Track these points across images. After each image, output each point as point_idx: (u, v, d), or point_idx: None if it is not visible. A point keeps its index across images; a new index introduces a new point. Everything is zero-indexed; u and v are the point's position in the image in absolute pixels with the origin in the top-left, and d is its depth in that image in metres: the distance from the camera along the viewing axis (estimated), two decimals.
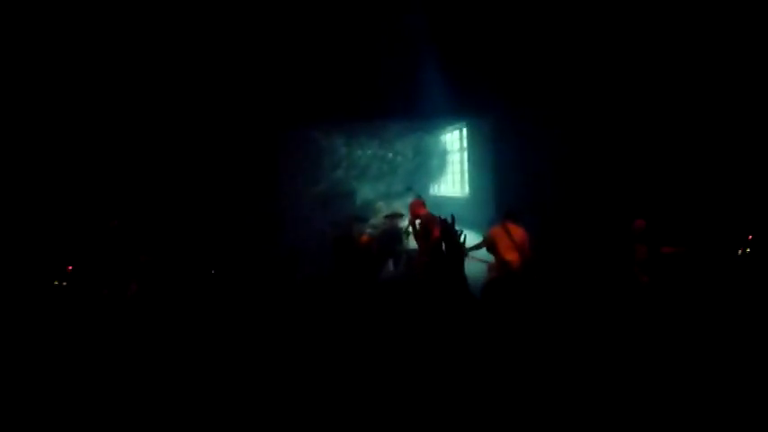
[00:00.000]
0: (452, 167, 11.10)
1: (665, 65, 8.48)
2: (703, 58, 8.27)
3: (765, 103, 7.97)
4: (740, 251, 7.00)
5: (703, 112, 8.29)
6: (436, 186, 11.08)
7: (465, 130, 10.81)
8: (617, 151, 8.74)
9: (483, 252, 7.28)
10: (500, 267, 6.80)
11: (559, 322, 4.40)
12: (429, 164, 11.16)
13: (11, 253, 8.10)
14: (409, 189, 9.94)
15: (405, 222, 9.23)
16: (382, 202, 10.66)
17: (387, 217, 9.26)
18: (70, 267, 7.55)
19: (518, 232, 6.93)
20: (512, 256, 6.81)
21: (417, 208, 8.15)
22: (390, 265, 8.93)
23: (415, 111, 9.96)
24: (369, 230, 9.31)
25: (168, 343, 4.48)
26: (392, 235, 9.01)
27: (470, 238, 9.39)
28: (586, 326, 4.37)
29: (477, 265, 7.11)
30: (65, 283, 7.37)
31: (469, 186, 10.76)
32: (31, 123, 8.92)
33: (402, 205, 10.17)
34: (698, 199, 8.00)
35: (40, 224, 8.59)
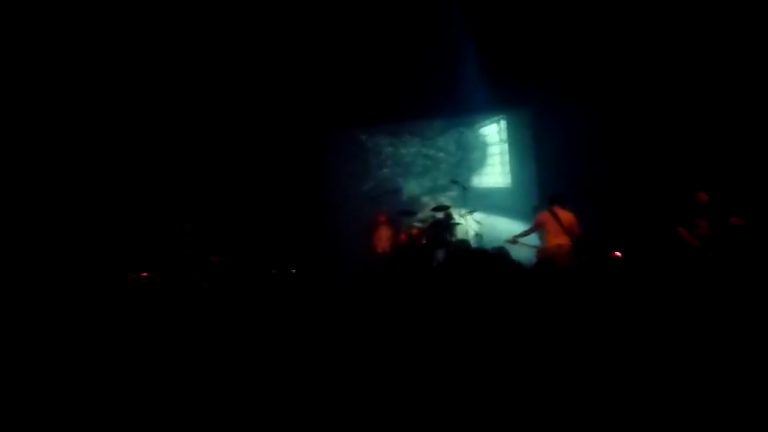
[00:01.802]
0: (494, 159, 11.37)
1: (710, 43, 8.45)
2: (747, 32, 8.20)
3: None
4: None
5: (752, 87, 8.21)
6: (479, 178, 11.36)
7: (504, 122, 11.09)
8: (662, 129, 8.77)
9: (532, 238, 7.56)
10: (550, 251, 7.07)
11: (620, 305, 4.52)
12: (471, 157, 11.44)
13: (86, 259, 8.75)
14: (455, 182, 10.25)
15: (452, 214, 9.57)
16: (428, 196, 11.00)
17: (434, 210, 9.61)
18: (145, 273, 8.15)
19: (566, 215, 7.20)
20: (562, 240, 7.08)
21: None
22: (440, 254, 9.28)
23: (454, 106, 10.27)
24: (417, 224, 9.66)
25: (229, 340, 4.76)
26: (440, 226, 9.36)
27: (515, 225, 9.66)
28: (650, 307, 4.47)
29: (526, 250, 7.38)
30: (142, 287, 7.97)
31: (511, 176, 11.01)
32: (107, 129, 9.55)
33: (447, 199, 10.48)
34: (751, 171, 7.90)
35: (115, 229, 9.25)
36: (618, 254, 7.56)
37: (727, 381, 3.04)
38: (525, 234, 7.53)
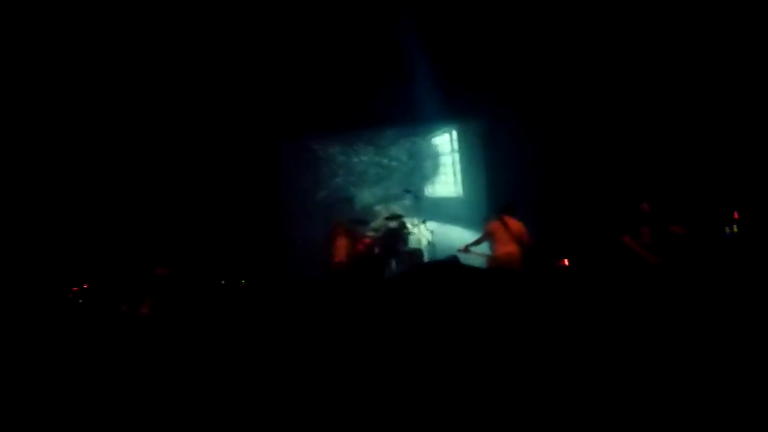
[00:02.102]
0: (446, 169, 11.50)
1: (655, 58, 8.81)
2: (690, 52, 8.58)
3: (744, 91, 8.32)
4: (727, 229, 7.30)
5: (689, 99, 8.60)
6: (432, 188, 11.46)
7: (456, 132, 11.23)
8: (608, 142, 9.07)
9: (483, 247, 7.65)
10: (500, 259, 7.17)
11: (570, 313, 4.63)
12: (423, 166, 11.55)
13: (25, 270, 8.32)
14: (408, 192, 10.30)
15: (405, 223, 9.60)
16: (381, 205, 11.03)
17: (387, 219, 9.62)
18: (86, 285, 7.81)
19: (515, 225, 7.33)
20: (511, 248, 7.19)
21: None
22: (393, 264, 9.30)
23: (406, 116, 10.33)
24: (370, 233, 9.64)
25: (181, 352, 4.64)
26: (393, 236, 9.37)
27: (467, 234, 9.77)
28: (598, 314, 4.58)
29: (477, 259, 7.47)
30: (81, 301, 7.62)
31: (463, 186, 11.15)
32: (45, 137, 9.16)
33: (400, 208, 10.52)
34: (687, 181, 8.27)
35: (53, 239, 8.84)
36: (566, 262, 7.76)
37: (670, 380, 3.14)
38: (476, 243, 7.61)
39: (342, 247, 8.85)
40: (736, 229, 7.28)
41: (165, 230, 8.70)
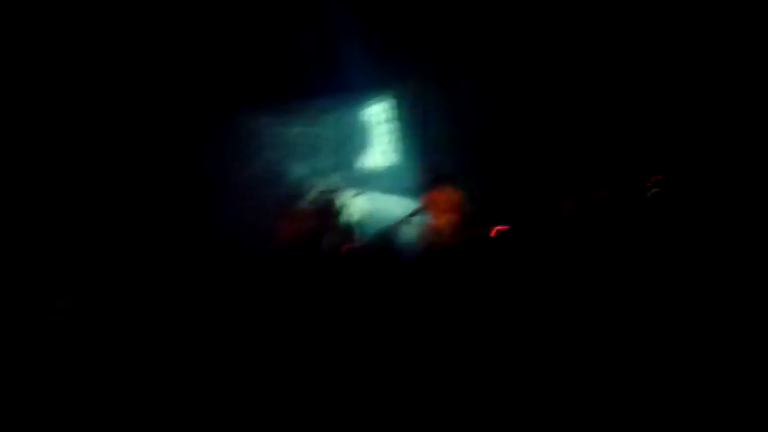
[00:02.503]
0: (380, 139, 11.23)
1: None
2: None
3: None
4: (650, 192, 7.48)
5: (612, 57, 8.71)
6: (365, 159, 11.18)
7: (389, 101, 10.95)
8: (538, 108, 9.10)
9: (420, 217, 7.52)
10: (437, 228, 7.07)
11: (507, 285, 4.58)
12: (355, 138, 11.23)
13: None
14: (338, 165, 10.01)
15: (339, 195, 9.33)
16: (314, 178, 10.64)
17: (320, 193, 9.30)
18: None
19: (452, 193, 7.22)
20: (447, 218, 7.09)
21: None
22: (325, 239, 9.02)
23: (336, 85, 9.97)
24: (303, 207, 9.30)
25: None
26: (326, 210, 9.08)
27: (402, 205, 9.64)
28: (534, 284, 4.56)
29: (415, 229, 7.37)
30: None
31: (397, 155, 10.93)
32: None
33: (333, 181, 10.20)
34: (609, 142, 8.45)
35: None
36: (504, 227, 7.72)
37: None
38: (413, 214, 7.48)
39: (287, 229, 8.55)
40: (656, 190, 7.43)
41: (72, 226, 8.00)
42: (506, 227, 7.69)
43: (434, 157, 9.72)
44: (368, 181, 10.31)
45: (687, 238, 5.45)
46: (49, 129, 8.86)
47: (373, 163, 11.04)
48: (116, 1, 8.64)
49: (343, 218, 9.27)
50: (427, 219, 7.36)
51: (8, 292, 6.61)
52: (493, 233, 7.36)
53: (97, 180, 9.02)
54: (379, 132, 11.07)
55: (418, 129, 10.39)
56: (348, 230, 9.07)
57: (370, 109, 11.07)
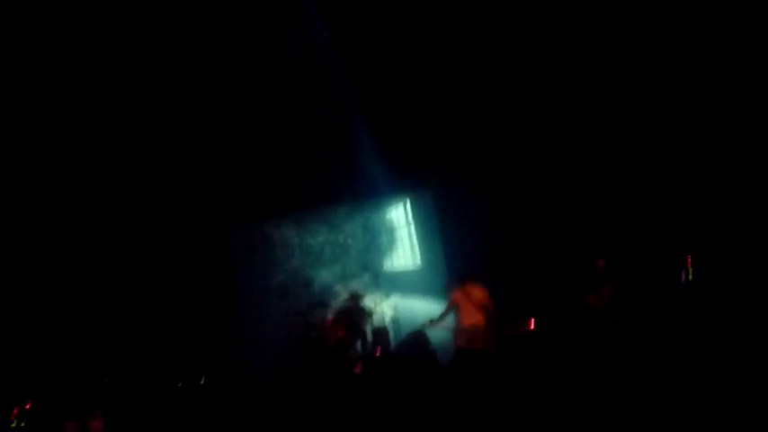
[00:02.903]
0: (402, 241, 11.45)
1: (584, 126, 9.11)
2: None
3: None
4: (683, 276, 7.31)
5: (626, 150, 8.78)
6: (389, 262, 11.34)
7: (408, 204, 11.28)
8: (557, 202, 9.18)
9: (449, 318, 7.50)
10: (467, 331, 7.00)
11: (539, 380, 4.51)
12: (379, 241, 11.46)
13: None
14: (366, 269, 10.17)
15: (366, 301, 9.38)
16: (340, 284, 10.76)
17: (347, 299, 9.38)
18: (29, 404, 7.15)
19: (477, 292, 7.23)
20: (476, 318, 7.06)
21: None
22: (359, 345, 8.97)
23: (356, 191, 10.34)
24: (332, 315, 9.35)
25: None
26: (356, 316, 9.10)
27: (429, 305, 9.60)
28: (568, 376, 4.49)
29: (444, 332, 7.36)
30: (23, 424, 6.94)
31: (421, 257, 11.07)
32: None
33: (360, 285, 10.30)
34: (637, 232, 8.34)
35: None
36: (532, 324, 7.62)
37: None
38: (442, 317, 7.47)
39: (332, 338, 8.54)
40: (690, 276, 7.30)
41: (111, 335, 8.17)
42: (535, 321, 7.59)
43: (457, 255, 9.80)
44: (394, 283, 10.40)
45: (725, 325, 5.31)
46: (91, 245, 9.30)
47: (398, 265, 11.18)
48: (153, 118, 9.25)
49: (374, 321, 9.28)
50: (457, 318, 7.31)
51: None
52: (532, 326, 7.22)
53: (133, 289, 9.33)
54: (402, 236, 11.32)
55: (439, 230, 10.58)
56: (380, 333, 9.04)
57: (391, 212, 11.40)
